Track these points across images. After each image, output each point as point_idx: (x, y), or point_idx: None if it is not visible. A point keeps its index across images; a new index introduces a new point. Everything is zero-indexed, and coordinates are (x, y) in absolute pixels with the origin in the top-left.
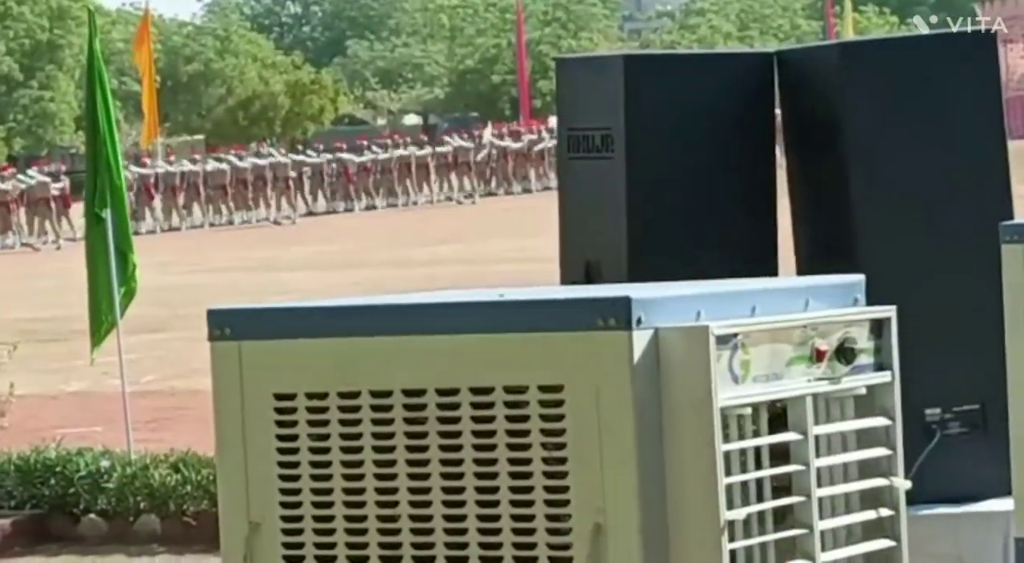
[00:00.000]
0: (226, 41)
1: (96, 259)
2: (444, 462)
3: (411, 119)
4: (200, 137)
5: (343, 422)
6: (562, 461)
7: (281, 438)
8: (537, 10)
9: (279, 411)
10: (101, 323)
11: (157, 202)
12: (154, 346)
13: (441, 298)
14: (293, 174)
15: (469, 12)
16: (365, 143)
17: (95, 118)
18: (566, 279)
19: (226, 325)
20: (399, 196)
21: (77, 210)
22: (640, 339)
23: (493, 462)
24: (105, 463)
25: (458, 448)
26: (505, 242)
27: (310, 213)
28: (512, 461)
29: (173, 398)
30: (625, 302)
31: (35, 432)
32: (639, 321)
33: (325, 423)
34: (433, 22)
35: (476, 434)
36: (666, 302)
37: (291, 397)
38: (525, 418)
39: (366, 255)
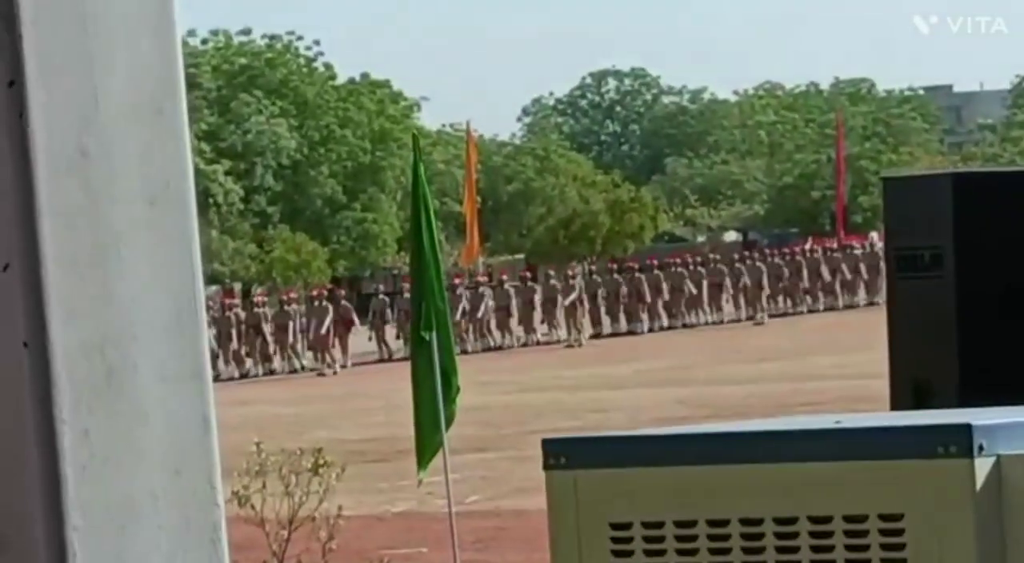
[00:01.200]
0: (546, 160)
1: (421, 380)
2: None
3: (730, 235)
4: (521, 257)
5: (680, 551)
6: None
7: None
8: (857, 125)
9: (615, 540)
10: (427, 444)
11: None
12: (477, 466)
13: (776, 426)
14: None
15: (788, 128)
16: (679, 261)
17: (420, 241)
18: (895, 399)
19: (562, 454)
20: (711, 314)
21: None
22: (982, 467)
23: None
24: None
25: None
26: (828, 358)
27: (613, 334)
28: None
29: (498, 518)
30: (966, 429)
31: (362, 554)
32: (981, 448)
33: (662, 553)
34: (752, 138)
35: None
36: (1009, 428)
37: (627, 526)
38: (865, 547)
39: (688, 373)
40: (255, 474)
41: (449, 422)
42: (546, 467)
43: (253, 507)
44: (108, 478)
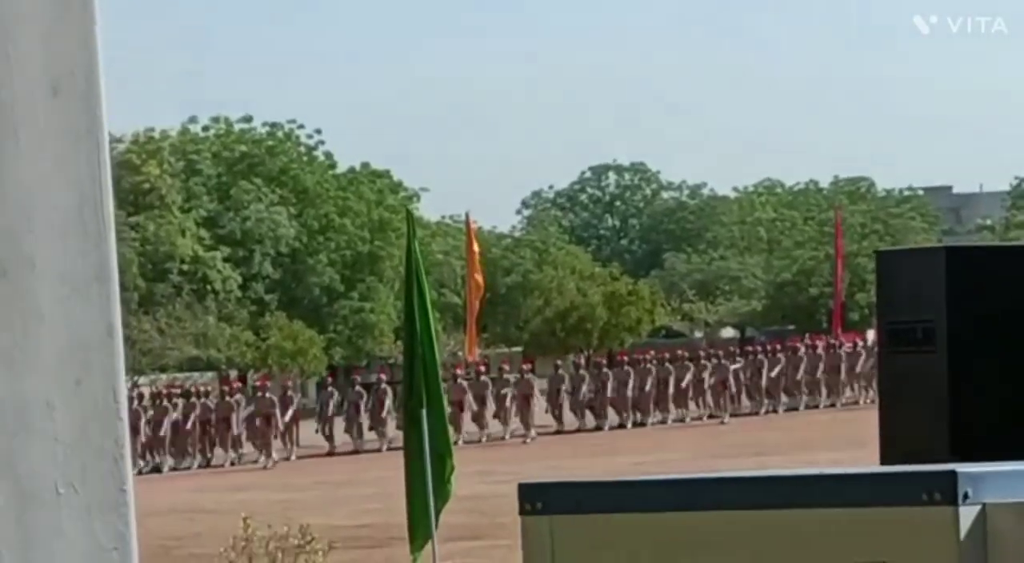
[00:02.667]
0: (544, 253)
1: (413, 463)
2: None
3: (727, 332)
4: (518, 349)
5: None
6: None
7: None
8: (855, 223)
9: None
10: (419, 526)
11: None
12: (471, 554)
13: (757, 473)
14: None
15: (787, 225)
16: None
17: (412, 320)
18: None
19: (538, 500)
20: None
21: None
22: (967, 515)
23: None
24: None
25: None
26: (828, 454)
27: (620, 425)
28: None
29: None
30: (951, 476)
31: None
32: (966, 496)
33: None
34: (751, 235)
35: None
36: (995, 477)
37: None
38: None
39: (680, 466)
40: (241, 550)
41: (444, 502)
42: (522, 512)
43: None
44: None
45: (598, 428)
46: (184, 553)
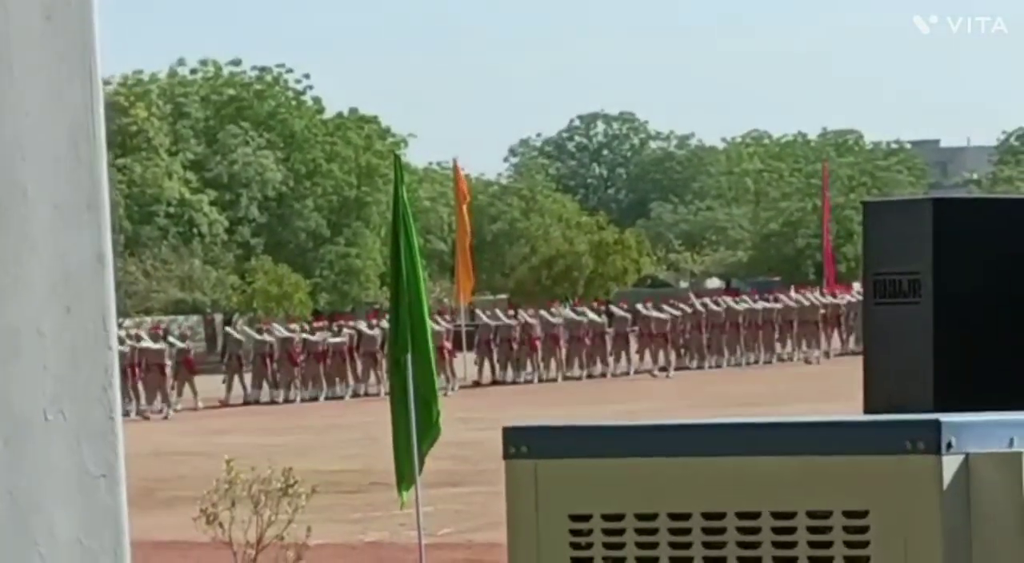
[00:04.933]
0: (531, 201)
1: (398, 408)
2: None
3: (713, 282)
4: (503, 296)
5: (640, 545)
6: None
7: (576, 560)
8: (843, 175)
9: (574, 533)
10: (405, 470)
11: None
12: (453, 499)
13: (742, 420)
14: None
15: (774, 176)
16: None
17: (399, 265)
18: None
19: (523, 443)
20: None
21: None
22: (950, 465)
23: None
24: None
25: None
26: (806, 406)
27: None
28: None
29: (469, 551)
30: (935, 425)
31: None
32: (949, 445)
33: (621, 546)
34: (738, 186)
35: (777, 560)
36: (977, 427)
37: (587, 518)
38: (828, 544)
39: (665, 415)
40: (224, 493)
41: (433, 440)
42: (506, 456)
43: (221, 524)
44: None
45: (590, 375)
46: (168, 496)
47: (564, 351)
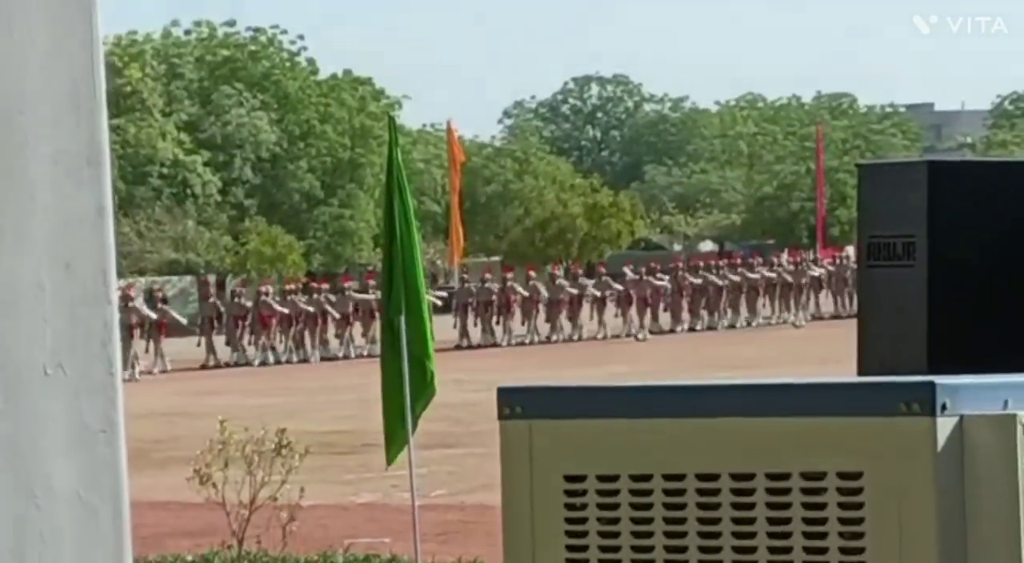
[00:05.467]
0: (525, 163)
1: (390, 369)
2: (737, 550)
3: (707, 245)
4: (496, 258)
5: (634, 506)
6: (860, 551)
7: (570, 521)
8: (837, 139)
9: (568, 493)
10: (395, 434)
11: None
12: (446, 461)
13: (737, 381)
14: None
15: (768, 140)
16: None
17: (393, 227)
18: None
19: (517, 404)
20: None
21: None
22: (944, 426)
23: (788, 550)
24: None
25: (752, 535)
26: (807, 368)
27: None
28: (808, 550)
29: (462, 512)
30: (929, 387)
31: (324, 541)
32: (944, 407)
33: (615, 507)
34: (732, 149)
35: (771, 521)
36: (972, 389)
37: (581, 479)
38: (822, 506)
39: (665, 377)
40: (218, 453)
41: (428, 401)
42: (500, 417)
43: (215, 485)
44: None
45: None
46: (163, 456)
47: (543, 315)
